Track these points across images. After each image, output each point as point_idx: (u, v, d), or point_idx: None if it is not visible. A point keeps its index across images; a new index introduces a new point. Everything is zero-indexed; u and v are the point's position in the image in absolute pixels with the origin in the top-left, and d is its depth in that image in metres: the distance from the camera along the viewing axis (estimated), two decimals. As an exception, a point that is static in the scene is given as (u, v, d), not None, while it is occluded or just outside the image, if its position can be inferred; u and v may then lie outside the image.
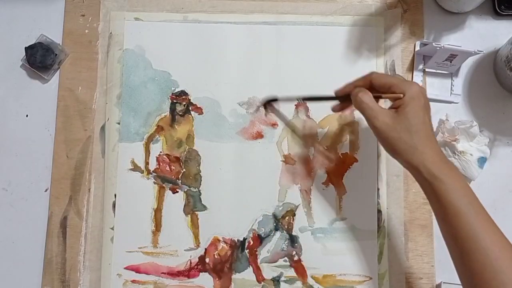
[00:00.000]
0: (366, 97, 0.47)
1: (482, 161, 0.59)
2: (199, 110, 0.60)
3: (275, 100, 0.59)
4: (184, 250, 0.58)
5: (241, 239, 0.58)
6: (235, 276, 0.57)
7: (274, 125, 0.60)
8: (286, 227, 0.58)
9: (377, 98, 0.48)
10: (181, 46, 0.62)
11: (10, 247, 0.58)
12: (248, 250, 0.58)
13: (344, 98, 0.51)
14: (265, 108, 0.60)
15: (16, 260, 0.57)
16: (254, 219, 0.58)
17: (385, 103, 0.54)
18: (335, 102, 0.53)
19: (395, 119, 0.45)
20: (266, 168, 0.59)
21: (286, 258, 0.58)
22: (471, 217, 0.42)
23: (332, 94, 0.52)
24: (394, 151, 0.46)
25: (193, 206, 0.58)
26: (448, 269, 0.57)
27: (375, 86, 0.48)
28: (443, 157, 0.45)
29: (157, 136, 0.60)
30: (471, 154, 0.59)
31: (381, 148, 0.60)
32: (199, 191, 0.59)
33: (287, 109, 0.61)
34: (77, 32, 0.62)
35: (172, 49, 0.62)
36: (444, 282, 0.56)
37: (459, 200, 0.42)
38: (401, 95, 0.46)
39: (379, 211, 0.59)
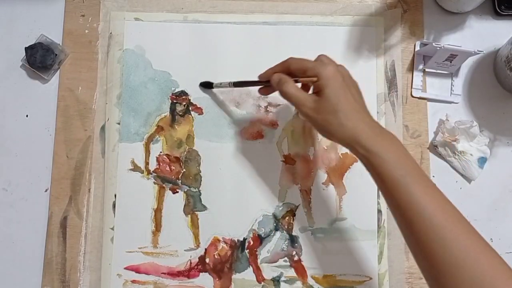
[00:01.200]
0: (289, 86, 0.47)
1: (482, 161, 0.59)
2: (199, 110, 0.60)
3: (210, 85, 0.60)
4: (184, 250, 0.58)
5: (241, 239, 0.58)
6: (235, 276, 0.57)
7: (274, 125, 0.60)
8: (286, 227, 0.58)
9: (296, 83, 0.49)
10: (181, 46, 0.62)
11: (10, 247, 0.58)
12: (248, 250, 0.58)
13: (263, 82, 0.53)
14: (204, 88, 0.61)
15: (16, 260, 0.57)
16: (254, 219, 0.58)
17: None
18: (261, 87, 0.54)
19: (318, 103, 0.45)
20: (266, 168, 0.59)
21: (286, 258, 0.58)
22: (410, 186, 0.40)
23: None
24: (326, 134, 0.46)
25: (193, 206, 0.58)
26: (448, 269, 0.57)
27: (292, 71, 0.49)
28: (376, 129, 0.45)
29: (157, 136, 0.60)
30: (471, 154, 0.59)
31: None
32: (199, 191, 0.59)
33: (288, 109, 0.61)
34: (77, 32, 0.62)
35: (172, 49, 0.62)
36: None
37: (396, 171, 0.41)
38: (314, 79, 0.46)
39: (379, 211, 0.59)
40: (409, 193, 0.40)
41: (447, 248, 0.38)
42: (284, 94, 0.48)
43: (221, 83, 0.59)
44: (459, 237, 0.39)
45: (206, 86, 0.60)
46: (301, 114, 0.48)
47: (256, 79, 0.53)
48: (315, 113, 0.45)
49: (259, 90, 0.54)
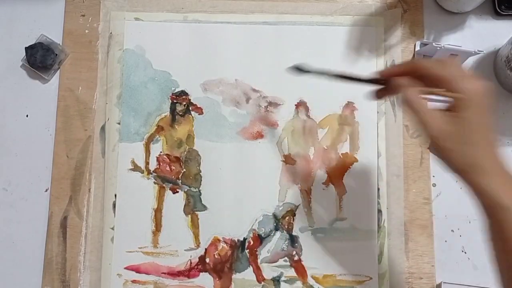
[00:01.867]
0: (416, 96, 0.39)
1: (482, 161, 0.59)
2: (199, 110, 0.61)
3: (305, 71, 0.49)
4: (184, 250, 0.58)
5: (241, 239, 0.58)
6: (235, 276, 0.57)
7: (274, 125, 0.60)
8: (286, 227, 0.58)
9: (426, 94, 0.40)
10: (181, 46, 0.62)
11: (10, 247, 0.58)
12: (248, 250, 0.58)
13: (379, 82, 0.44)
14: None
15: (16, 260, 0.57)
16: (254, 219, 0.58)
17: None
18: (374, 88, 0.45)
19: (451, 126, 0.37)
20: (266, 168, 0.59)
21: (286, 258, 0.58)
22: None
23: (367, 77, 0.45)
24: (450, 164, 0.38)
25: (193, 206, 0.58)
26: (448, 269, 0.58)
27: (421, 77, 0.39)
28: (509, 176, 0.37)
29: (157, 136, 0.60)
30: (471, 154, 0.59)
31: (381, 148, 0.60)
32: (199, 191, 0.59)
33: (287, 109, 0.61)
34: (77, 32, 0.62)
35: (172, 49, 0.62)
36: (444, 282, 0.56)
37: None
38: (460, 95, 0.37)
39: (379, 211, 0.59)
40: None
41: None
42: (408, 103, 0.39)
43: (321, 71, 0.47)
44: None
45: (298, 70, 0.49)
46: (423, 134, 0.39)
47: (364, 75, 0.44)
48: (443, 137, 0.37)
49: (374, 93, 0.45)
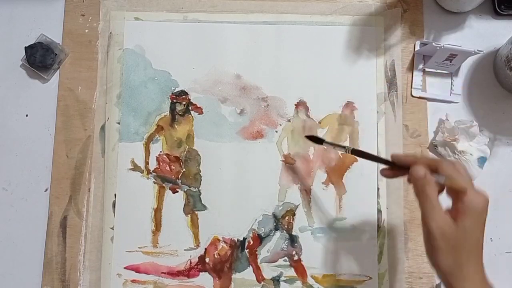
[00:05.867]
0: (432, 190, 0.42)
1: (482, 161, 0.59)
2: (199, 110, 0.60)
3: (319, 141, 0.54)
4: (184, 250, 0.58)
5: (241, 238, 0.58)
6: (235, 276, 0.57)
7: (274, 125, 0.60)
8: (286, 227, 0.58)
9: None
10: (181, 46, 0.62)
11: (10, 247, 0.58)
12: (248, 250, 0.58)
13: (397, 166, 0.47)
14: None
15: (16, 260, 0.57)
16: (254, 219, 0.58)
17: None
18: (386, 167, 0.48)
19: (451, 229, 0.41)
20: (266, 168, 0.59)
21: (286, 258, 0.58)
22: None
23: (386, 156, 0.48)
24: (435, 261, 0.42)
25: (193, 206, 0.58)
26: (448, 269, 0.58)
27: (438, 173, 0.43)
28: (485, 284, 0.41)
29: (157, 136, 0.60)
30: (471, 154, 0.59)
31: (381, 148, 0.60)
32: (199, 191, 0.59)
33: (288, 108, 0.61)
34: (77, 31, 0.62)
35: (172, 48, 0.62)
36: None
37: None
38: (465, 206, 0.41)
39: (379, 211, 0.59)
40: None
41: None
42: (421, 193, 0.43)
43: (335, 145, 0.53)
44: None
45: (315, 140, 0.55)
46: (423, 224, 0.42)
47: (383, 156, 0.47)
48: (440, 235, 0.41)
49: (382, 171, 0.48)
